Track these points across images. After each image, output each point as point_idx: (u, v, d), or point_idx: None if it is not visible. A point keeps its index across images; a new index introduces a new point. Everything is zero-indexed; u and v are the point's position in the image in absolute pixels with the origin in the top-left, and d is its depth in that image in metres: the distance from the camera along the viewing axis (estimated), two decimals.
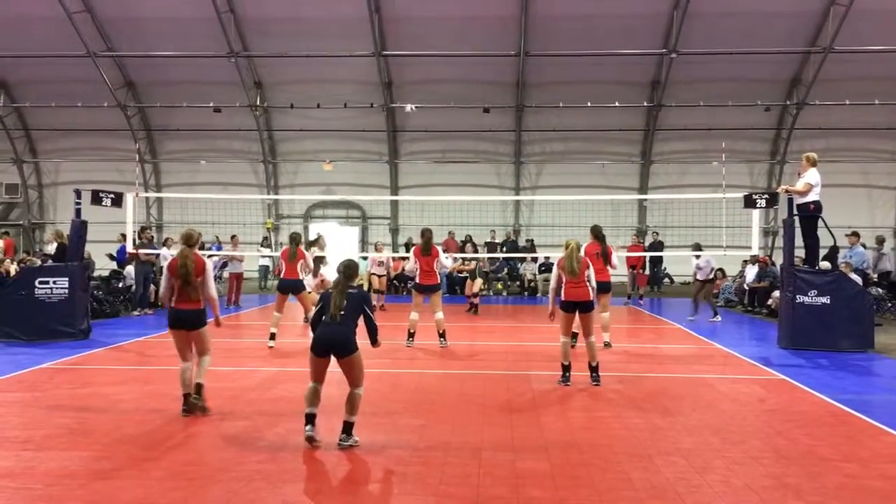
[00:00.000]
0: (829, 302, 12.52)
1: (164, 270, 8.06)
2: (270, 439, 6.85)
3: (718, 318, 17.28)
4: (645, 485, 5.70)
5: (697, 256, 17.54)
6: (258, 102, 27.01)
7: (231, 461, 6.20)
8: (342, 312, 6.74)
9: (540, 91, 26.28)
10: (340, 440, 6.64)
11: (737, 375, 10.39)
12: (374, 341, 7.08)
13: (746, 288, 20.60)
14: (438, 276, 12.91)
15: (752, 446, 6.76)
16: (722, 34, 23.67)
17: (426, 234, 12.89)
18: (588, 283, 9.55)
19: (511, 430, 7.23)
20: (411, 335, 12.63)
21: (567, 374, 9.48)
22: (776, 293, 17.07)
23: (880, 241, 20.80)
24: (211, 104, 26.13)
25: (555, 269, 9.73)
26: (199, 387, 7.86)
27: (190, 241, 8.06)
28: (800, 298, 12.60)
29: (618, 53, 24.65)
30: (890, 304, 18.39)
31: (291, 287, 12.94)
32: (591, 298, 9.61)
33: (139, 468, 6.02)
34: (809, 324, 12.51)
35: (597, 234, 12.53)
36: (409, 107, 25.67)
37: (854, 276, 14.59)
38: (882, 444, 6.93)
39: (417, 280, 12.59)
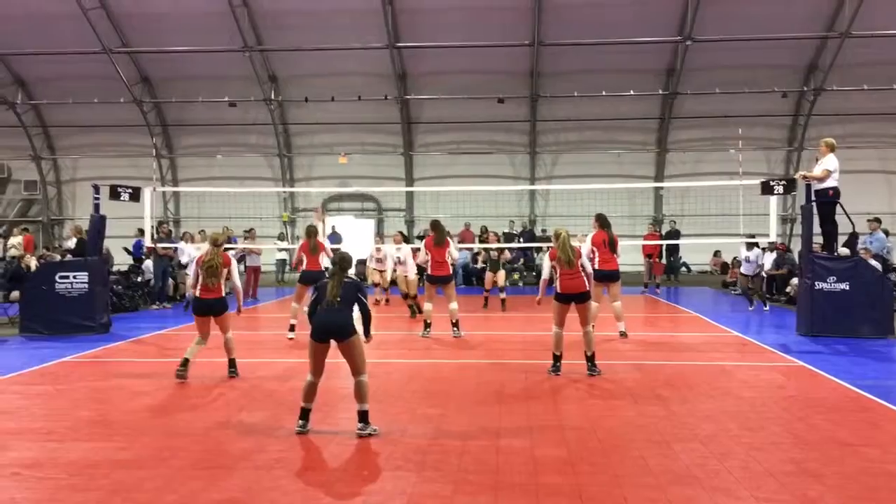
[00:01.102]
0: (848, 288, 12.42)
1: (193, 263, 9.45)
2: (290, 429, 6.89)
3: (767, 307, 16.93)
4: (663, 470, 5.70)
5: (749, 248, 17.18)
6: (273, 96, 27.07)
7: (251, 450, 6.26)
8: (339, 299, 6.87)
9: (554, 80, 26.18)
10: (358, 430, 6.69)
11: (755, 363, 10.34)
12: (367, 331, 7.26)
13: (764, 275, 20.45)
14: (451, 267, 12.91)
15: (772, 432, 6.74)
16: (737, 20, 23.46)
17: (438, 225, 12.89)
18: (583, 272, 9.35)
19: (528, 418, 7.24)
20: (427, 325, 12.66)
21: (558, 363, 9.35)
22: (794, 280, 16.94)
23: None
24: (226, 99, 26.25)
25: (547, 260, 9.49)
26: (231, 361, 9.35)
27: (216, 242, 9.34)
28: (819, 285, 12.52)
29: (632, 42, 24.50)
30: None
31: (315, 278, 12.97)
32: (588, 288, 9.39)
33: (160, 458, 6.08)
34: (828, 310, 12.42)
35: (603, 221, 12.36)
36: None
37: (874, 262, 14.46)
38: None
39: (429, 271, 12.61)
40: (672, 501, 5.09)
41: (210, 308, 9.21)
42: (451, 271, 12.95)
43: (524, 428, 6.90)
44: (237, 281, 9.68)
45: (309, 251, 12.86)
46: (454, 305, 12.62)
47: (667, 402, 7.86)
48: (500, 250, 17.64)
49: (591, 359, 9.35)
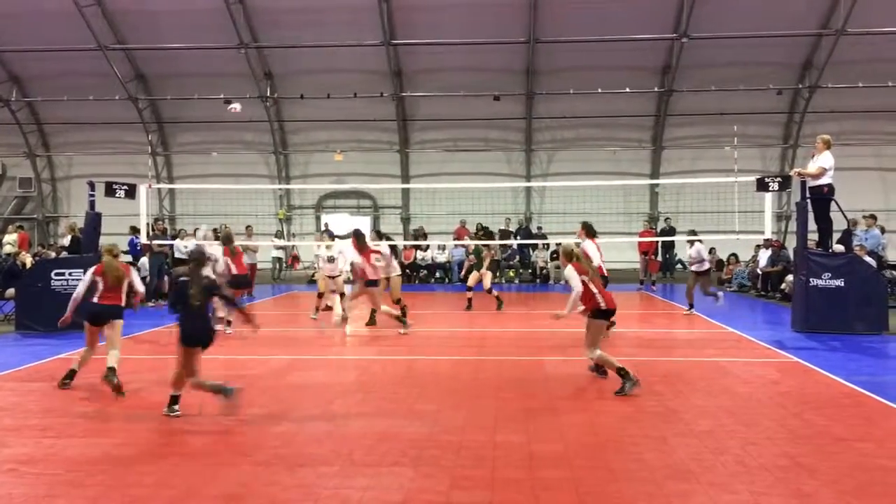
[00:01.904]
0: (843, 285, 12.48)
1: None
2: (286, 424, 6.91)
3: (720, 300, 15.46)
4: (659, 465, 5.73)
5: (690, 244, 15.75)
6: (268, 93, 27.04)
7: (248, 445, 6.27)
8: (198, 303, 7.20)
9: (550, 78, 26.16)
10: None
11: (750, 359, 10.39)
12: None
13: (759, 272, 20.53)
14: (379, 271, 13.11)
15: (767, 427, 6.77)
16: (733, 18, 23.46)
17: (357, 233, 13.13)
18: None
19: (525, 413, 7.26)
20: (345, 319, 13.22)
21: (630, 374, 8.11)
22: (789, 277, 16.97)
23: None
24: (222, 96, 26.16)
25: (574, 273, 8.41)
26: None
27: (111, 252, 8.94)
28: (813, 281, 12.57)
29: (628, 39, 24.51)
30: None
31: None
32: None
33: (158, 454, 6.10)
34: (823, 307, 12.48)
35: (591, 229, 12.23)
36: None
37: (868, 259, 14.52)
38: None
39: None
40: (668, 496, 5.12)
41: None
42: (376, 276, 12.86)
43: (520, 423, 6.92)
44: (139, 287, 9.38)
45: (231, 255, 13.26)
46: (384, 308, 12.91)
47: (662, 398, 7.89)
48: (487, 248, 16.87)
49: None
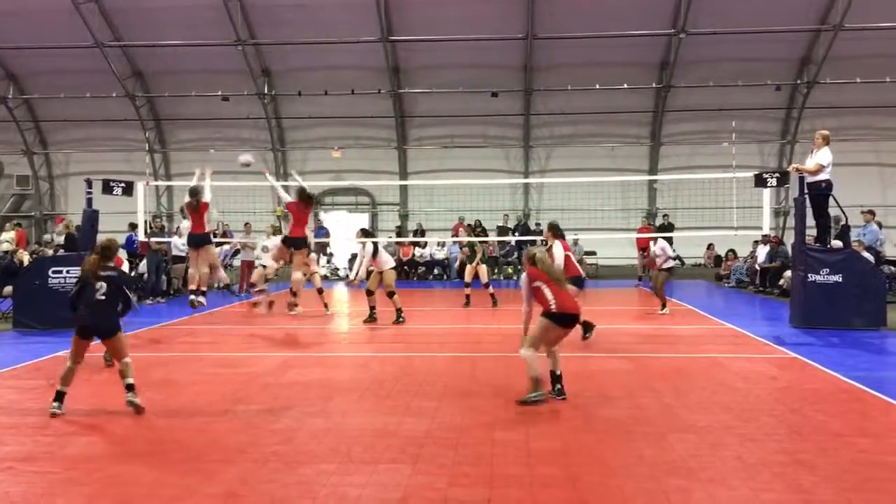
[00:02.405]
0: (841, 280, 12.49)
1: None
2: (285, 422, 6.91)
3: (667, 310, 14.82)
4: (658, 461, 5.73)
5: (654, 241, 15.41)
6: (266, 90, 27.00)
7: (247, 443, 6.26)
8: (103, 296, 7.29)
9: (548, 74, 26.15)
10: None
11: (749, 354, 10.39)
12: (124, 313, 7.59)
13: (758, 268, 20.55)
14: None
15: (765, 423, 6.77)
16: (731, 13, 23.47)
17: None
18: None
19: (523, 410, 7.25)
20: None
21: (541, 387, 7.54)
22: (788, 273, 16.97)
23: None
24: (219, 93, 26.18)
25: (525, 281, 7.81)
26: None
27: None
28: (812, 277, 12.58)
29: (626, 35, 24.49)
30: None
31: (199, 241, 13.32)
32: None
33: (156, 452, 6.09)
34: (821, 302, 12.48)
35: (558, 231, 11.66)
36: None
37: (866, 255, 14.53)
38: (894, 418, 6.95)
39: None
40: (667, 492, 5.12)
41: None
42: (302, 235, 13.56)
43: (519, 420, 6.92)
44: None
45: (191, 211, 13.24)
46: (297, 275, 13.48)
47: (661, 394, 7.89)
48: (485, 241, 16.94)
49: (558, 378, 7.77)
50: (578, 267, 11.75)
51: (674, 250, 15.76)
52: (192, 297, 12.72)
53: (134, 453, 6.06)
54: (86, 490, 5.26)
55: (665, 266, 15.05)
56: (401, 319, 13.52)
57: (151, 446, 6.23)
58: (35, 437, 6.52)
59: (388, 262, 14.14)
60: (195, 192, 12.54)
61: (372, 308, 13.89)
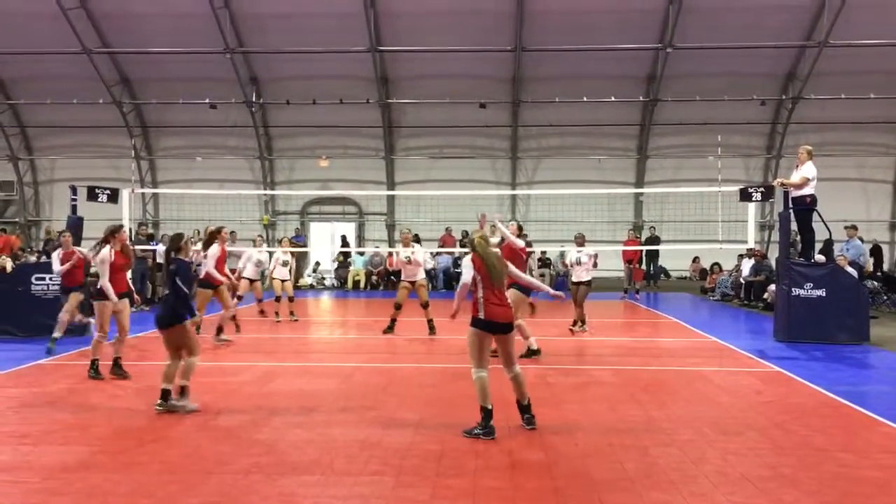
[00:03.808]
0: (824, 295, 12.55)
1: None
2: (267, 433, 6.86)
3: (586, 328, 13.90)
4: (641, 475, 5.73)
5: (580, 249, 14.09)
6: (254, 98, 26.96)
7: (228, 454, 6.21)
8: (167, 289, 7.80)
9: (536, 86, 26.24)
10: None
11: (733, 368, 10.43)
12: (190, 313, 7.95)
13: (742, 282, 20.63)
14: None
15: (749, 437, 6.79)
16: (717, 29, 23.64)
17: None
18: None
19: (507, 422, 7.22)
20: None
21: (490, 420, 6.84)
22: (772, 287, 17.04)
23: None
24: (207, 101, 26.09)
25: (471, 268, 7.06)
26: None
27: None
28: (796, 291, 12.64)
29: (614, 48, 24.63)
30: (885, 297, 18.44)
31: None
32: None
33: (136, 462, 6.03)
34: (805, 316, 12.54)
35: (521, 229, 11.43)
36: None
37: (850, 269, 14.63)
38: (877, 434, 6.97)
39: None
40: None
41: None
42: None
43: (503, 432, 6.89)
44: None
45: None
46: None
47: (645, 407, 7.90)
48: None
49: (526, 409, 7.15)
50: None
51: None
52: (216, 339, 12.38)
53: (113, 463, 5.99)
54: (64, 500, 5.21)
55: (583, 279, 13.96)
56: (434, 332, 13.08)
57: (131, 456, 6.17)
58: (13, 447, 6.44)
59: (421, 272, 13.66)
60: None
61: (393, 320, 13.50)
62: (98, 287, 9.29)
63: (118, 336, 9.59)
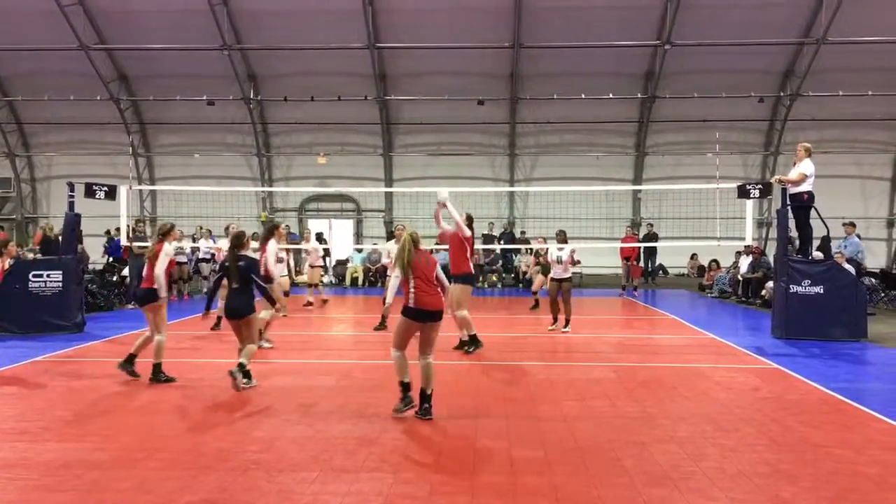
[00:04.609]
0: (822, 292, 12.56)
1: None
2: (266, 429, 6.86)
3: (568, 329, 13.58)
4: (639, 472, 5.73)
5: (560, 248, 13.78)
6: (252, 95, 26.93)
7: (227, 451, 6.21)
8: (237, 284, 8.50)
9: (534, 83, 26.25)
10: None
11: (731, 365, 10.43)
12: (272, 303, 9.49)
13: (740, 279, 20.65)
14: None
15: (747, 434, 6.80)
16: (716, 26, 23.67)
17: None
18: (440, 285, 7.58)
19: (506, 419, 7.24)
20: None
21: (408, 394, 7.40)
22: (770, 284, 17.05)
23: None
24: (204, 97, 26.08)
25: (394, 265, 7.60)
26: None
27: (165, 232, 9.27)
28: (793, 288, 12.64)
29: (612, 45, 24.65)
30: (883, 294, 18.47)
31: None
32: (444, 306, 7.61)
33: (135, 458, 6.02)
34: (803, 313, 12.55)
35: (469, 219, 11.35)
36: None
37: (848, 266, 14.64)
38: (874, 430, 6.98)
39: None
40: (648, 502, 5.12)
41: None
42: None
43: (501, 429, 6.90)
44: (158, 272, 8.94)
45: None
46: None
47: (643, 404, 7.90)
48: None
49: (427, 398, 7.35)
50: (469, 264, 11.28)
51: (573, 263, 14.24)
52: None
53: (111, 460, 5.99)
54: (62, 497, 5.20)
55: (562, 276, 13.70)
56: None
57: (129, 453, 6.16)
58: (11, 444, 6.44)
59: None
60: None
61: (384, 317, 13.28)
62: (153, 288, 8.94)
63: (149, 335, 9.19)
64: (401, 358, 7.41)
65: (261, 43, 25.61)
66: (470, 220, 11.41)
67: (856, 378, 9.71)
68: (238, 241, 8.70)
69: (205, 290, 14.79)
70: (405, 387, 7.37)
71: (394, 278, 7.55)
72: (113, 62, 26.82)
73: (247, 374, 8.47)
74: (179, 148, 28.71)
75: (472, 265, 11.35)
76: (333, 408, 7.74)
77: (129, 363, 8.99)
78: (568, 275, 13.71)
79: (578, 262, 14.57)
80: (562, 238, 13.93)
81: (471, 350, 11.05)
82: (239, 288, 8.51)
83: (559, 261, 13.65)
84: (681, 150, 27.35)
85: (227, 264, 8.60)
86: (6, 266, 12.89)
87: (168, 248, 9.09)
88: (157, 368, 8.82)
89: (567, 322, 13.62)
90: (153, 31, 24.92)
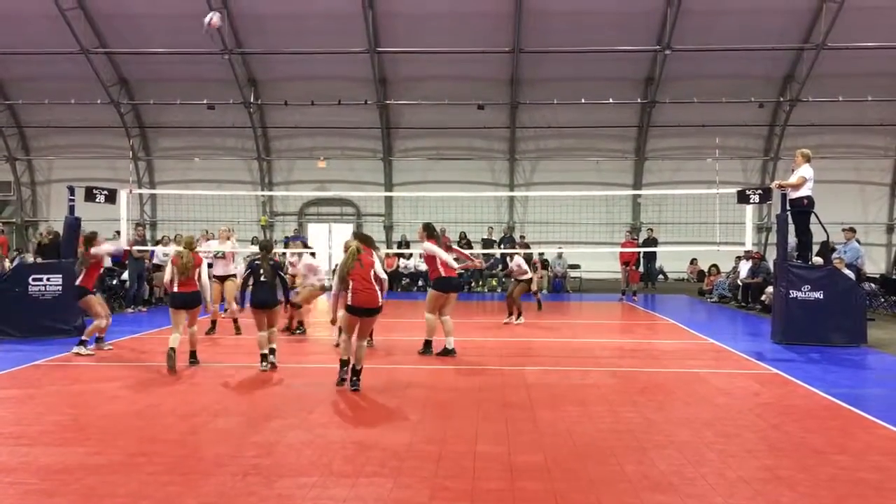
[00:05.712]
0: (822, 297, 12.56)
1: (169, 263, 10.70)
2: (265, 434, 6.85)
3: (521, 320, 15.42)
4: (639, 477, 5.73)
5: (512, 258, 15.64)
6: (252, 99, 26.95)
7: (226, 455, 6.20)
8: (264, 279, 10.00)
9: (534, 87, 26.28)
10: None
11: (730, 370, 10.43)
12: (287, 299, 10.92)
13: (740, 283, 20.66)
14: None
15: (746, 439, 6.79)
16: (716, 31, 23.71)
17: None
18: (377, 285, 8.90)
19: (506, 424, 7.24)
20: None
21: (345, 367, 8.96)
22: (769, 289, 17.05)
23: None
24: (205, 101, 26.10)
25: (338, 275, 8.98)
26: (193, 353, 10.60)
27: (190, 245, 10.65)
28: (793, 293, 12.65)
29: (612, 50, 24.69)
30: (883, 300, 18.47)
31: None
32: (380, 303, 8.91)
33: (134, 463, 6.02)
34: (802, 319, 12.55)
35: (430, 230, 11.65)
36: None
37: (847, 272, 14.64)
38: (874, 436, 6.97)
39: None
40: None
41: (185, 301, 10.38)
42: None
43: (501, 434, 6.90)
44: (205, 280, 10.82)
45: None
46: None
47: (643, 409, 7.90)
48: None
49: (357, 372, 8.77)
50: (444, 270, 11.39)
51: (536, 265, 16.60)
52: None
53: (111, 464, 5.98)
54: (61, 501, 5.19)
55: (522, 278, 15.73)
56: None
57: (128, 458, 6.16)
58: (11, 448, 6.43)
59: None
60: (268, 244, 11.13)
61: None
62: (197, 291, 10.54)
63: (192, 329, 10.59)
64: (346, 341, 9.01)
65: (261, 47, 25.64)
66: (430, 230, 11.67)
67: (855, 383, 9.70)
68: (270, 246, 10.63)
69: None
70: (343, 363, 8.99)
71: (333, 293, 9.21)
72: (113, 66, 26.85)
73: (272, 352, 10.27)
74: (180, 152, 28.72)
75: (443, 272, 11.44)
76: (332, 412, 7.73)
77: (193, 358, 10.49)
78: (525, 277, 15.72)
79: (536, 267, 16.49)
80: (521, 244, 15.56)
81: (422, 352, 11.45)
82: (268, 283, 10.02)
83: (519, 266, 15.75)
84: (681, 155, 27.36)
85: (258, 263, 10.15)
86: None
87: (202, 259, 10.81)
88: (193, 354, 10.54)
89: (519, 314, 15.49)
90: (154, 34, 24.96)
